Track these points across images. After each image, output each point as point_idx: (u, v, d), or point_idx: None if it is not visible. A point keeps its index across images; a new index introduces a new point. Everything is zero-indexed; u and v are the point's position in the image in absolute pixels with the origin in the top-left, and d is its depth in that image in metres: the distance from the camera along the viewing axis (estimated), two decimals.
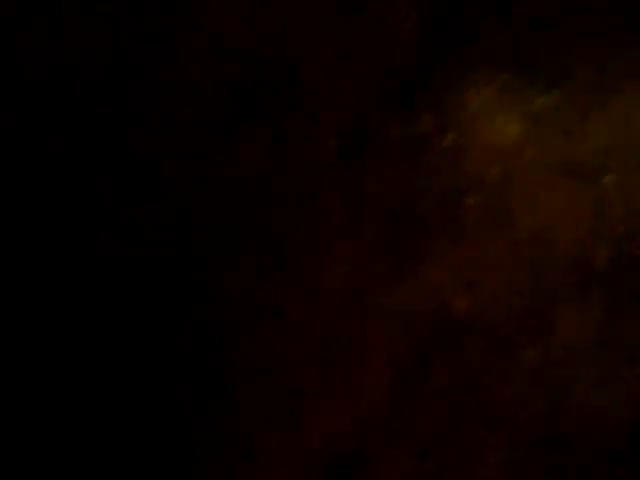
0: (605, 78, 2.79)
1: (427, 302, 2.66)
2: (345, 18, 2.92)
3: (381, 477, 2.52)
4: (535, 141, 2.77)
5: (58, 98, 2.83)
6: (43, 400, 2.68)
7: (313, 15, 2.93)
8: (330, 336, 2.67)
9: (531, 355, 2.52)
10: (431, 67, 2.85)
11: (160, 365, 2.71)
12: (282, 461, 2.57)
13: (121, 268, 2.78)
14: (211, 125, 2.88)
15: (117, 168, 2.84)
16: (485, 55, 2.83)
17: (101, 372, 2.69)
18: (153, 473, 2.62)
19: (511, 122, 2.80)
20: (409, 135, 2.84)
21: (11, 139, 2.83)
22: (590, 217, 2.67)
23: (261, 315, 2.73)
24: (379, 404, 2.56)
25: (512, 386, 2.50)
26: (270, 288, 2.75)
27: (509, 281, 2.65)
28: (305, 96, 2.90)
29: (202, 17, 2.91)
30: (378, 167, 2.83)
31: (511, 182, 2.76)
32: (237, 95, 2.89)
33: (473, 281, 2.67)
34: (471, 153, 2.81)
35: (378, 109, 2.87)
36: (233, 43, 2.91)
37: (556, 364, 2.50)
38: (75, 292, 2.75)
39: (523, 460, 2.42)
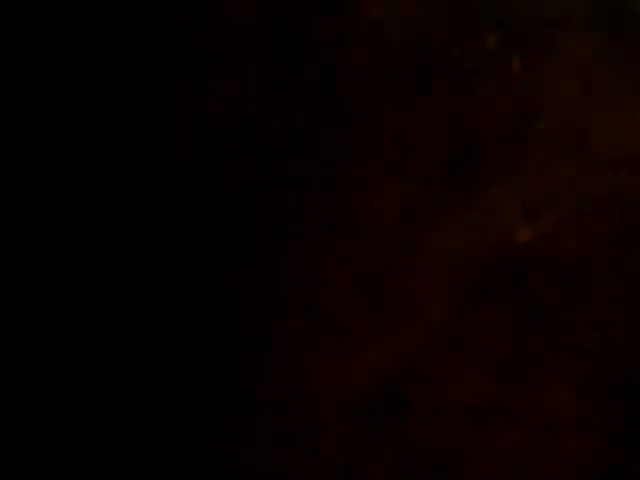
0: None
1: (487, 231, 2.33)
2: None
3: (431, 414, 2.19)
4: (619, 57, 2.43)
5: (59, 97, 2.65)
6: (48, 389, 2.46)
7: None
8: (382, 266, 2.36)
9: (607, 286, 2.17)
10: None
11: (199, 296, 2.44)
12: (330, 396, 2.28)
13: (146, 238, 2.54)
14: (257, 59, 2.62)
15: (119, 170, 2.63)
16: None
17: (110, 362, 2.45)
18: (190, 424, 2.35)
19: (590, 35, 2.47)
20: (471, 54, 2.53)
21: (11, 139, 2.67)
22: None
23: (309, 248, 2.44)
24: (440, 329, 2.24)
25: (582, 316, 2.15)
26: (318, 210, 2.46)
27: (582, 211, 2.31)
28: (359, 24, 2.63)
29: None
30: (437, 89, 2.53)
31: (588, 104, 2.42)
32: (282, 30, 2.64)
33: (541, 211, 2.33)
34: (542, 73, 2.48)
35: (438, 26, 2.57)
36: None
37: (632, 293, 2.15)
38: (82, 286, 2.54)
39: (598, 386, 2.08)
